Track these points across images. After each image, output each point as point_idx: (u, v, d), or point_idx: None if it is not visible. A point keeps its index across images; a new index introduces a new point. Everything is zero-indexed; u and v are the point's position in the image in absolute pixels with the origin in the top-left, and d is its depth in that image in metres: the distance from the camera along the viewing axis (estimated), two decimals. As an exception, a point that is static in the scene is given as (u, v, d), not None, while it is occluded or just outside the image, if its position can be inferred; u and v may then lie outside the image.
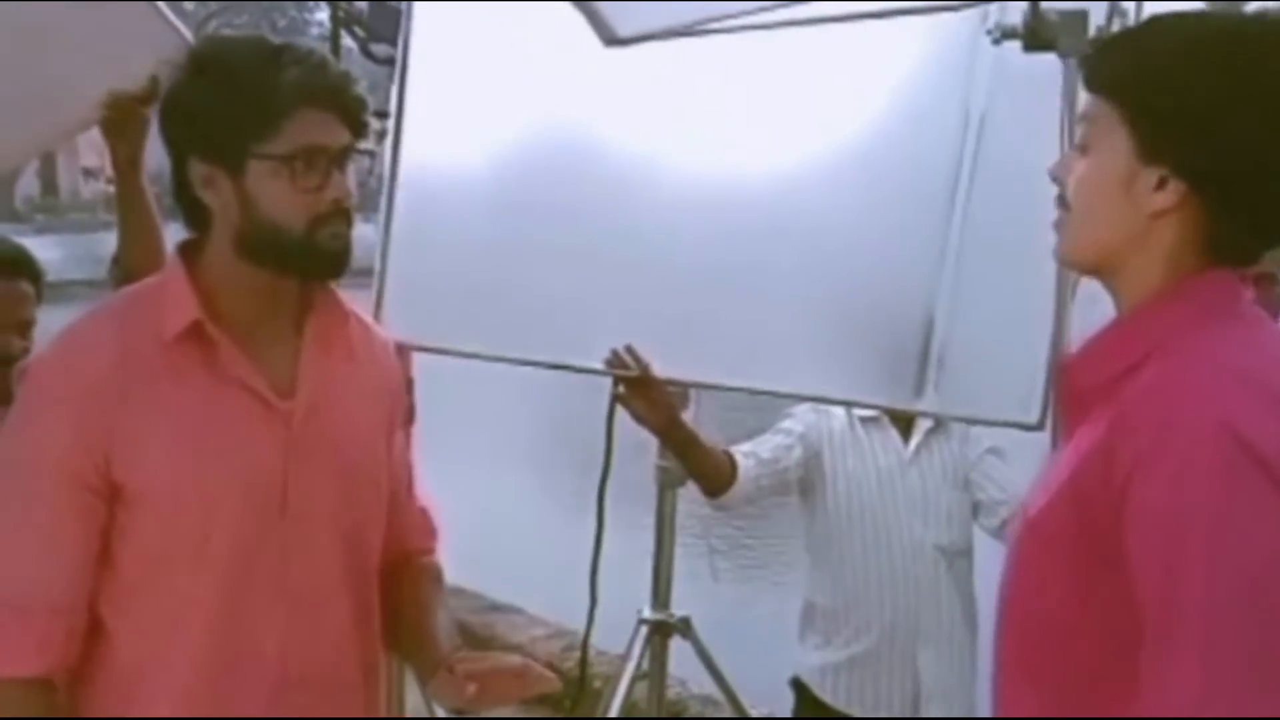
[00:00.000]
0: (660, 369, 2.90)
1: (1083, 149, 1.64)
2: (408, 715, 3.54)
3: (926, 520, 3.14)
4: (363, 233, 2.76)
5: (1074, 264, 1.70)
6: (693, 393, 3.31)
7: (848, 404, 3.09)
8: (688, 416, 3.23)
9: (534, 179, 2.96)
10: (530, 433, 9.04)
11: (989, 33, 2.39)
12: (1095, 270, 1.66)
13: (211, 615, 2.00)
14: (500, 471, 9.14)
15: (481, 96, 2.97)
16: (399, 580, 2.23)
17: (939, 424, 3.16)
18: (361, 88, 2.01)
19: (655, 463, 3.49)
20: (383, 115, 2.99)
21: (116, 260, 2.70)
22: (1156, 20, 1.64)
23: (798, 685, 3.24)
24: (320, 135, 1.94)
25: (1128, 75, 1.60)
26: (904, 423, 3.19)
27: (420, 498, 2.34)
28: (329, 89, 1.95)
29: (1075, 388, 1.65)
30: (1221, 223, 1.58)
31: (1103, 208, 1.61)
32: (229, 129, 1.93)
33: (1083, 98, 1.70)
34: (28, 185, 27.38)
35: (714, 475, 3.08)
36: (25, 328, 2.48)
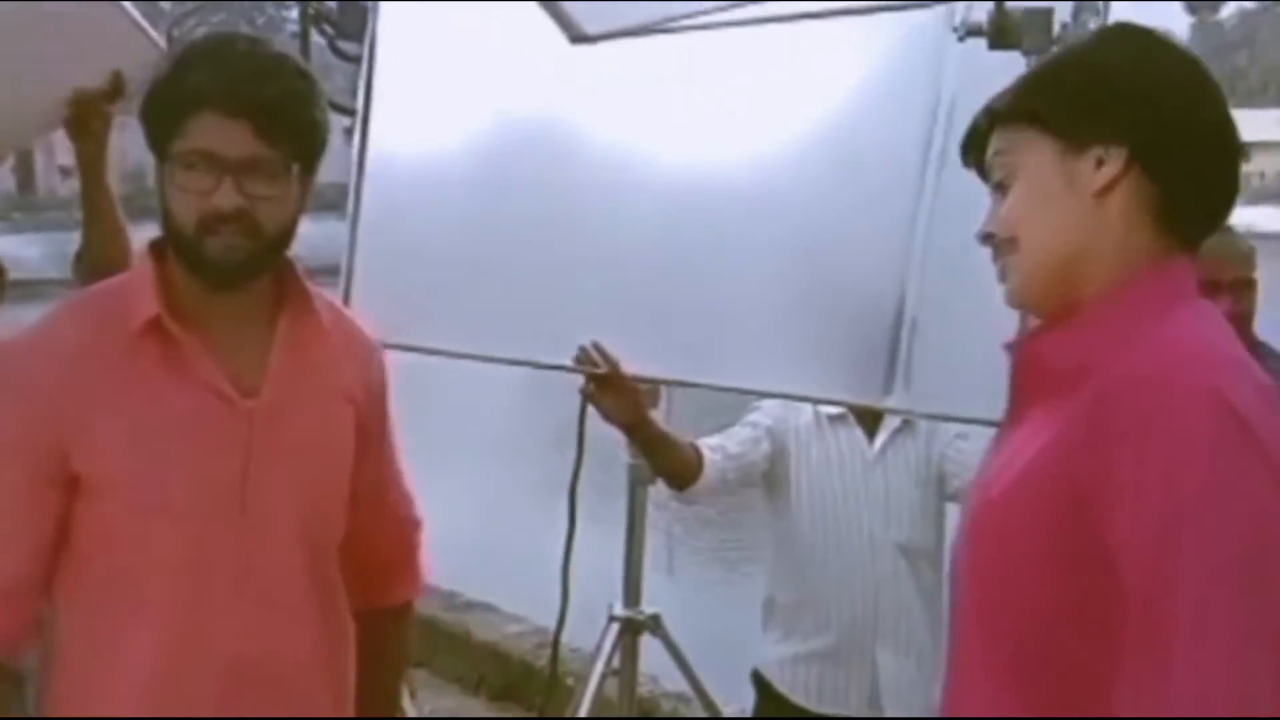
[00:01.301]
0: (629, 366, 2.89)
1: (1003, 188, 1.67)
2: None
3: (889, 520, 3.14)
4: (331, 230, 2.77)
5: (1028, 294, 1.68)
6: (664, 390, 3.31)
7: (817, 401, 3.09)
8: (659, 414, 3.23)
9: (502, 176, 2.95)
10: (505, 429, 9.04)
11: (954, 30, 2.39)
12: (1050, 293, 1.65)
13: (167, 610, 1.99)
14: (474, 468, 9.15)
15: (449, 94, 2.96)
16: (367, 651, 2.24)
17: (906, 423, 3.16)
18: (311, 90, 1.99)
19: (626, 460, 3.50)
20: (350, 112, 2.99)
21: (79, 257, 2.69)
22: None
23: (758, 679, 3.24)
24: (215, 141, 1.92)
25: (1029, 90, 1.65)
26: (870, 421, 3.19)
27: (401, 501, 2.35)
28: (239, 94, 1.92)
29: (1041, 369, 1.64)
30: (1167, 185, 1.60)
31: (1048, 213, 1.63)
32: (152, 126, 1.96)
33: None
34: (4, 183, 27.25)
35: (681, 471, 3.08)
36: None
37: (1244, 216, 2.86)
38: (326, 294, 2.22)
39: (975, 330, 2.70)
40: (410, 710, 3.38)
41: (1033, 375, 1.66)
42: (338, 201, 2.95)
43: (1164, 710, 1.44)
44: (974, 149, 1.73)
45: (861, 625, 3.09)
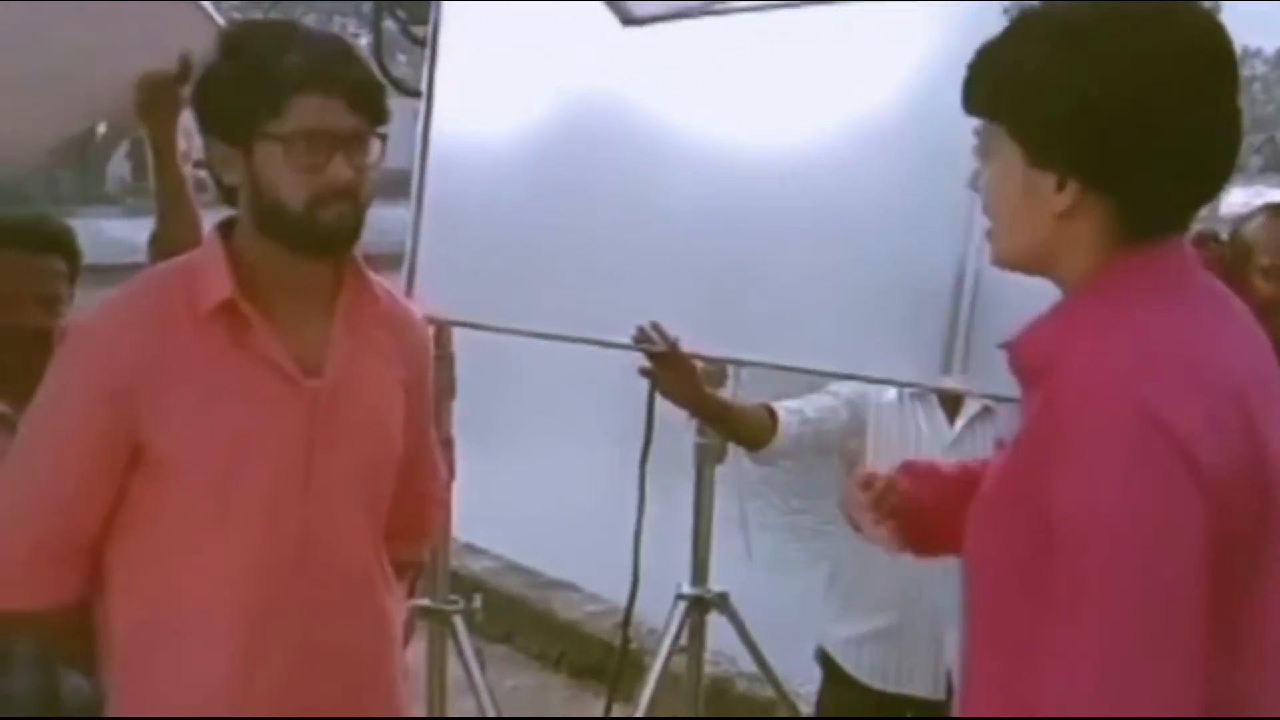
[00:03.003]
0: (690, 345, 2.92)
1: (984, 158, 1.67)
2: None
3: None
4: (393, 216, 2.83)
5: (1007, 266, 1.71)
6: (731, 371, 3.34)
7: (874, 381, 3.09)
8: (725, 394, 3.25)
9: (563, 157, 2.99)
10: (590, 410, 9.09)
11: (1005, 11, 2.38)
12: (1028, 270, 1.68)
13: (236, 585, 2.05)
14: (557, 449, 9.21)
15: (508, 78, 3.00)
16: None
17: (986, 408, 3.14)
18: (387, 71, 2.06)
19: (694, 440, 3.52)
20: (420, 95, 3.05)
21: (153, 240, 2.75)
22: (1020, 24, 1.65)
23: (824, 658, 3.25)
24: (322, 118, 1.99)
25: (999, 94, 1.63)
26: (952, 404, 3.17)
27: (429, 478, 2.42)
28: (333, 74, 2.00)
29: (1018, 368, 1.66)
30: (1127, 209, 1.59)
31: (1012, 215, 1.64)
32: (239, 110, 2.01)
33: None
34: (118, 168, 27.71)
35: (753, 435, 3.09)
36: (52, 303, 2.54)
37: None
38: (390, 280, 2.28)
39: (1036, 310, 2.70)
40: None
41: (1019, 372, 1.66)
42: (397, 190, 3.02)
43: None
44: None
45: (927, 607, 3.08)
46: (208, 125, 2.08)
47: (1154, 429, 1.46)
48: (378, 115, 2.06)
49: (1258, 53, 44.05)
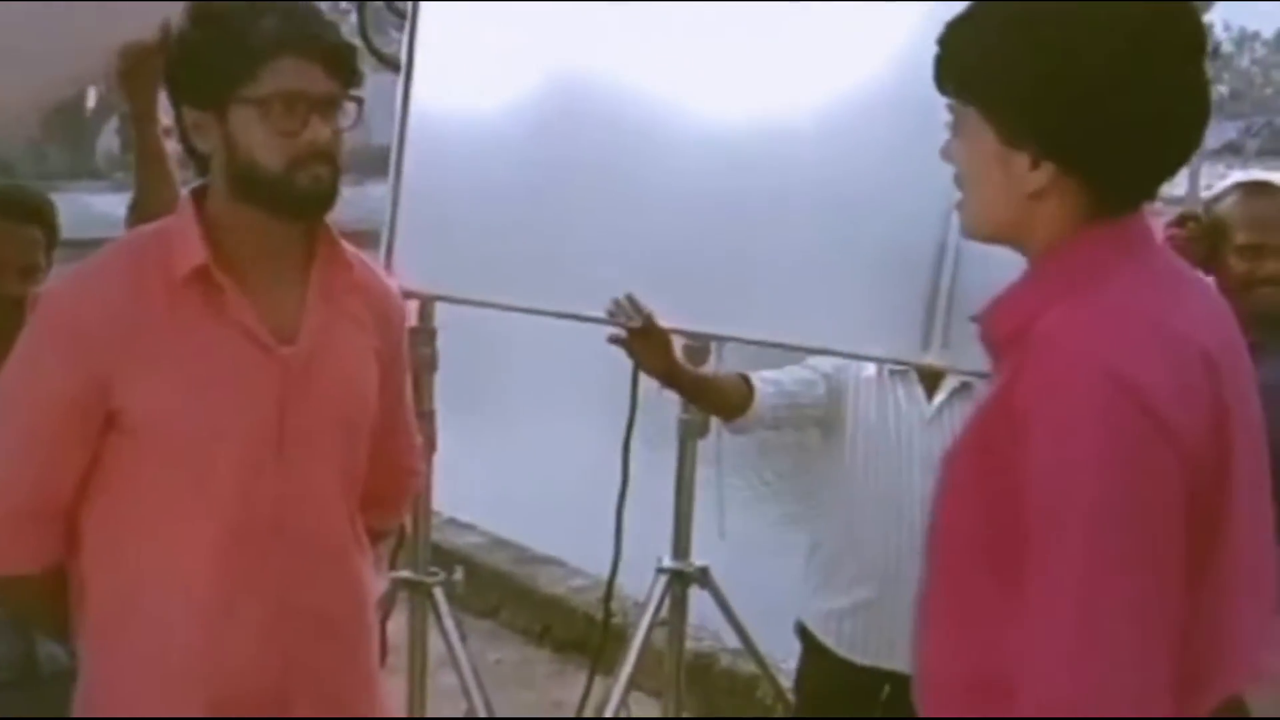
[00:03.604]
0: (669, 319, 2.92)
1: (957, 134, 1.68)
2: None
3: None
4: (381, 194, 2.83)
5: (977, 238, 1.73)
6: (714, 347, 3.34)
7: (854, 356, 3.09)
8: (708, 370, 3.26)
9: (544, 129, 2.99)
10: (575, 386, 9.10)
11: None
12: (998, 242, 1.69)
13: (207, 551, 2.06)
14: (542, 424, 9.22)
15: (491, 47, 3.00)
16: None
17: (965, 384, 3.15)
18: (348, 33, 2.06)
19: (677, 415, 3.54)
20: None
21: (132, 209, 2.75)
22: (986, 5, 1.65)
23: (803, 632, 3.26)
24: (297, 81, 2.01)
25: (970, 75, 1.64)
26: (931, 379, 3.18)
27: (404, 449, 2.43)
28: (307, 36, 2.02)
29: (988, 338, 1.68)
30: (1098, 185, 1.61)
31: (985, 189, 1.66)
32: (212, 75, 2.02)
33: None
34: (108, 143, 27.64)
35: (728, 405, 3.11)
36: (29, 272, 2.55)
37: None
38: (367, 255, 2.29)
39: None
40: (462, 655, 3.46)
41: (989, 342, 1.69)
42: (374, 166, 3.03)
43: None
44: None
45: (906, 581, 3.08)
46: (181, 91, 2.09)
47: (1122, 391, 1.48)
48: (352, 79, 2.07)
49: (1255, 36, 44.06)
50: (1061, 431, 1.49)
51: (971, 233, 1.73)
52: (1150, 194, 1.66)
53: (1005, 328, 1.64)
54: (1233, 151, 29.24)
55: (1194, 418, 1.51)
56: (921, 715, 1.74)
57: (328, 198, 2.06)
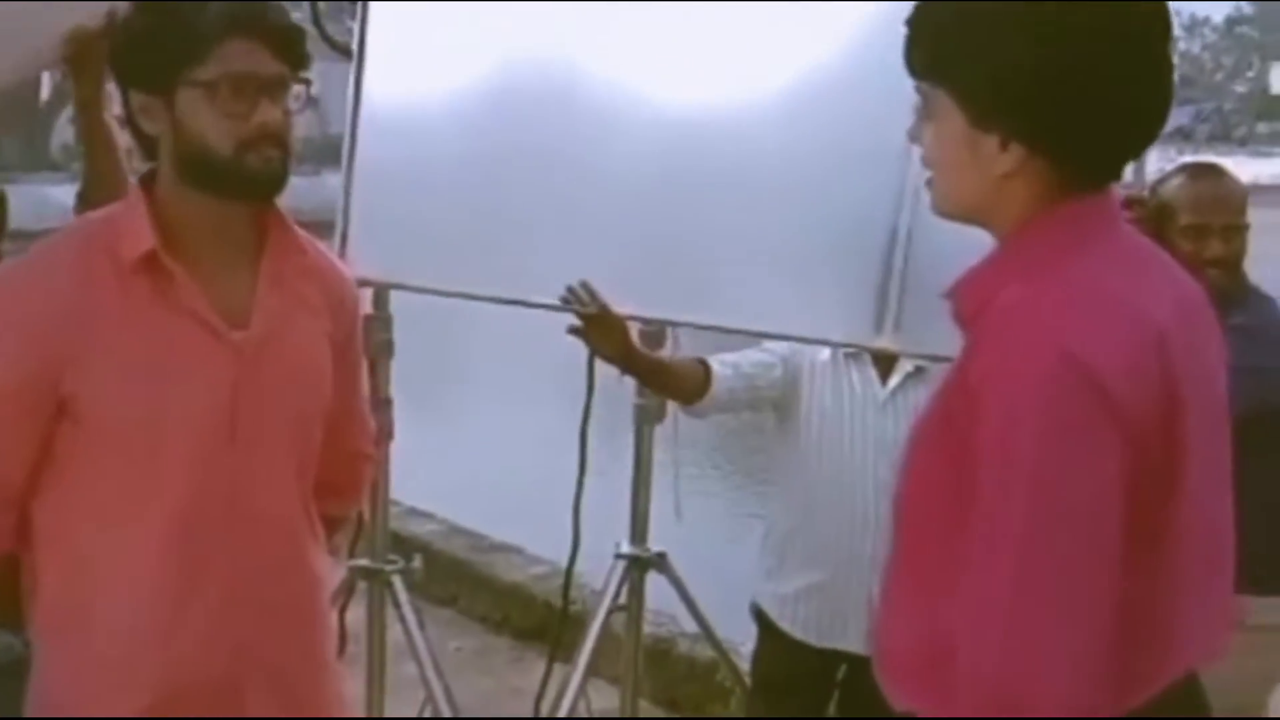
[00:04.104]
0: (626, 306, 2.93)
1: (926, 116, 1.70)
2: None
3: (895, 462, 3.14)
4: (338, 184, 2.81)
5: (947, 217, 1.75)
6: (670, 333, 3.35)
7: (807, 340, 3.11)
8: (664, 354, 3.27)
9: (498, 115, 2.99)
10: (532, 374, 9.09)
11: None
12: (967, 221, 1.72)
13: (159, 537, 2.06)
14: (499, 412, 9.21)
15: (444, 34, 3.00)
16: None
17: (919, 368, 3.17)
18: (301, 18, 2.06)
19: (633, 401, 3.54)
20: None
21: (80, 196, 2.73)
22: None
23: (759, 615, 3.28)
24: (245, 63, 2.00)
25: (940, 57, 1.66)
26: (885, 363, 3.20)
27: (358, 434, 2.42)
28: (255, 18, 2.01)
29: (957, 315, 1.70)
30: (1066, 166, 1.63)
31: (956, 173, 1.68)
32: (160, 58, 2.01)
33: None
34: (63, 134, 27.40)
35: (686, 389, 3.12)
36: None
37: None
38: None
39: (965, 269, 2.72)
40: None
41: (958, 319, 1.71)
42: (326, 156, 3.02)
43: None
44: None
45: (860, 562, 3.10)
46: (128, 75, 2.09)
47: (1071, 367, 1.51)
48: (301, 61, 2.07)
49: (1205, 21, 44.39)
50: (1010, 402, 1.52)
51: (942, 211, 1.75)
52: (1117, 174, 1.70)
53: (970, 305, 1.67)
54: (1183, 137, 29.44)
55: (1144, 397, 1.54)
56: (883, 690, 1.75)
57: (278, 179, 2.06)
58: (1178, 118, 32.96)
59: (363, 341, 2.45)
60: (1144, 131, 1.67)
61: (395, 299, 3.27)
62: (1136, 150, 1.69)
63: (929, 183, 1.74)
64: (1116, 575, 1.53)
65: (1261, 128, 39.41)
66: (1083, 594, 1.51)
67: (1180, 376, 1.59)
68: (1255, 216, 3.03)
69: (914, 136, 1.73)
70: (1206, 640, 1.74)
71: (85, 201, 2.67)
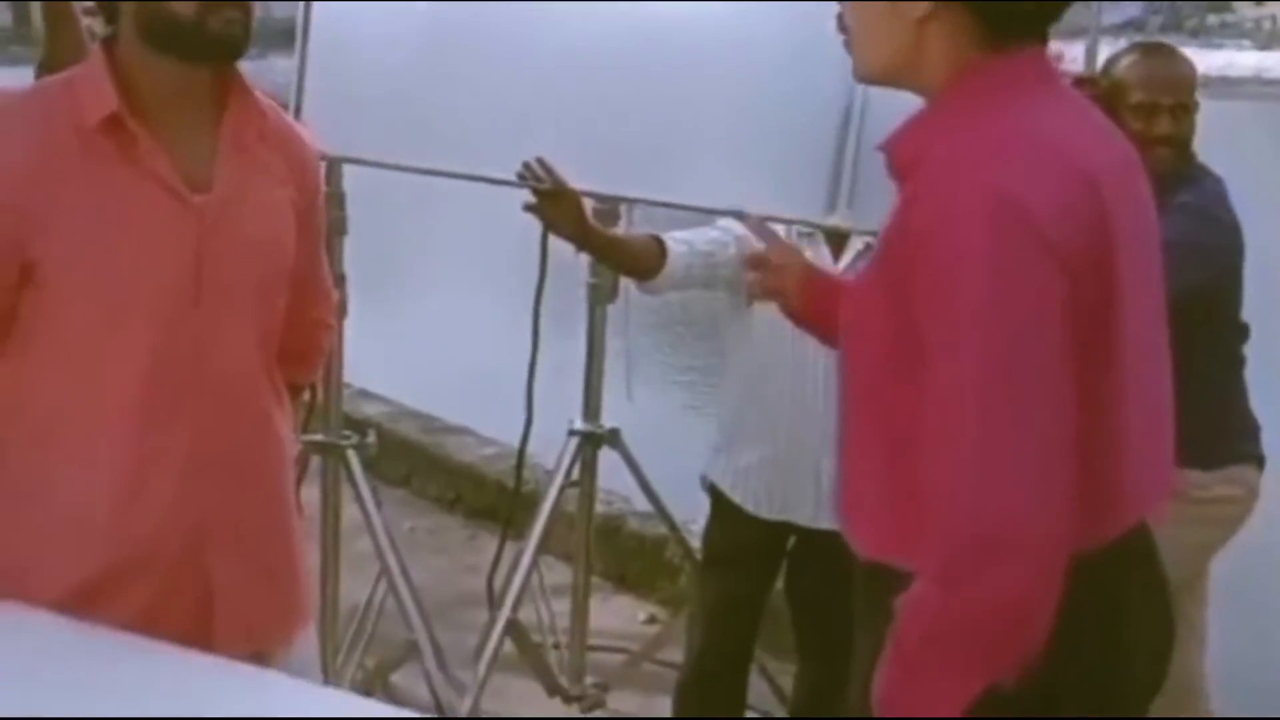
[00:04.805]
0: (579, 182, 2.93)
1: None
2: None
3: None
4: (289, 66, 2.79)
5: (869, 80, 1.81)
6: (624, 211, 3.36)
7: (761, 218, 3.12)
8: (618, 232, 3.27)
9: (454, -4, 2.98)
10: (484, 253, 9.06)
11: None
12: (891, 82, 1.75)
13: (124, 400, 2.08)
14: (450, 293, 9.20)
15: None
16: None
17: (869, 247, 3.19)
18: None
19: (586, 280, 3.56)
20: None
21: (40, 65, 2.71)
22: None
23: (711, 489, 3.32)
24: None
25: None
26: (837, 241, 3.21)
27: (319, 302, 2.44)
28: None
29: (892, 167, 1.75)
30: (983, 15, 1.67)
31: (873, 24, 1.72)
32: None
33: None
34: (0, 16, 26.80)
35: (641, 265, 3.10)
36: None
37: (1251, 60, 2.91)
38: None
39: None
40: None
41: (893, 170, 1.76)
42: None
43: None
44: None
45: (809, 436, 3.14)
46: None
47: (1006, 207, 1.56)
48: None
49: (1160, -90, 44.15)
50: (952, 244, 1.57)
51: (862, 72, 1.79)
52: (1039, 30, 1.72)
53: (905, 156, 1.71)
54: (1135, 28, 29.37)
55: (1077, 236, 1.59)
56: (849, 543, 1.81)
57: (241, 41, 2.06)
58: (1130, 9, 32.92)
59: (318, 216, 2.45)
60: None
61: (348, 181, 3.26)
62: (1056, 6, 1.72)
63: (846, 45, 1.78)
64: (1073, 408, 1.58)
65: (1212, 19, 39.37)
66: (1045, 428, 1.56)
67: (1114, 224, 1.65)
68: (1204, 108, 3.08)
69: (841, 23, 1.78)
70: (1151, 499, 1.80)
71: (44, 68, 2.65)
